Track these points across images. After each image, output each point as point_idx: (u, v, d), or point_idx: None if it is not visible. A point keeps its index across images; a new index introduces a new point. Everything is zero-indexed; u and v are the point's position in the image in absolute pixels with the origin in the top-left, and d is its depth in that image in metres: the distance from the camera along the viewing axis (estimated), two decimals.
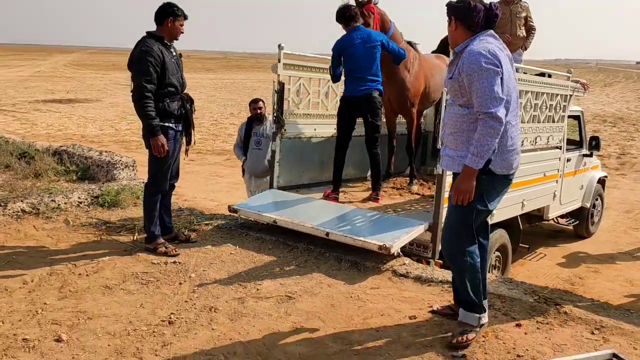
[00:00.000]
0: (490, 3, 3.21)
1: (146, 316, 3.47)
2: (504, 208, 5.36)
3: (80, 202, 5.71)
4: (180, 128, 4.55)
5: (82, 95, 28.77)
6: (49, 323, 3.32)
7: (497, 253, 5.56)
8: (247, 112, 6.75)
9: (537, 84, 5.68)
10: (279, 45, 5.39)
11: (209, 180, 10.99)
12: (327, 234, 4.50)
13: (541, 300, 3.67)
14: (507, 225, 5.68)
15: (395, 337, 3.27)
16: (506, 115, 2.97)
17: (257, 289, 3.91)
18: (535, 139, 5.80)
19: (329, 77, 6.06)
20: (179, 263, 4.33)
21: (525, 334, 3.28)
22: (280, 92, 5.41)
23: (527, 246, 6.32)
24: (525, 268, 6.79)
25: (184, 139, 4.67)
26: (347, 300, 3.78)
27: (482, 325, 3.20)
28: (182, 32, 4.52)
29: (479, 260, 3.17)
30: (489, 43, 3.03)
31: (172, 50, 4.49)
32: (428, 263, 4.48)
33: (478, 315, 3.16)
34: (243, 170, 6.75)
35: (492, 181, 3.09)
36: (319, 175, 5.95)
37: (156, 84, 4.27)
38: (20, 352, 3.00)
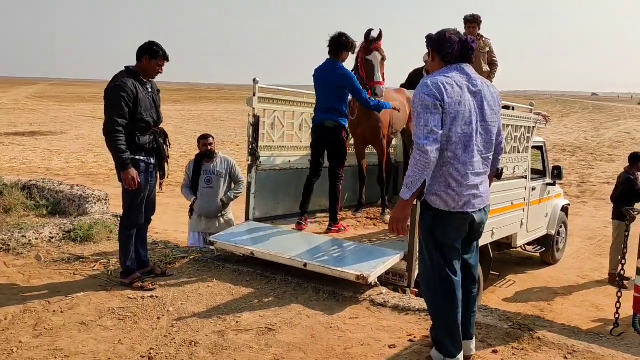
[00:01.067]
0: (466, 36, 3.32)
1: (125, 352, 3.43)
2: None
3: (52, 237, 5.61)
4: (152, 161, 4.57)
5: (46, 127, 28.28)
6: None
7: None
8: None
9: (502, 117, 5.93)
10: (254, 80, 5.50)
11: (179, 213, 10.85)
12: (305, 264, 4.55)
13: (515, 326, 3.78)
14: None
15: None
16: (439, 149, 2.98)
17: (237, 322, 3.91)
18: (502, 169, 6.02)
19: (303, 109, 6.22)
20: (157, 297, 4.30)
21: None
22: (255, 125, 5.50)
23: (497, 273, 6.49)
24: (496, 295, 6.94)
25: (158, 173, 4.69)
26: (327, 330, 3.82)
27: None
28: (160, 72, 4.57)
29: (447, 299, 3.16)
30: (446, 77, 3.06)
31: (148, 86, 4.54)
32: (404, 292, 4.56)
33: (443, 356, 3.18)
34: (191, 211, 6.28)
35: (441, 217, 3.12)
36: (295, 206, 6.00)
37: (127, 118, 4.30)
38: None
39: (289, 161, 6.07)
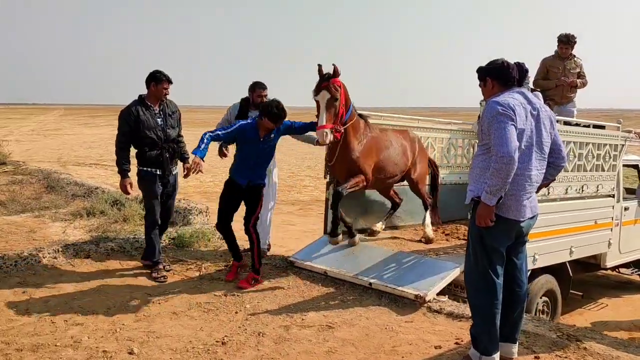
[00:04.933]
0: (520, 62, 3.64)
1: (204, 337, 4.03)
2: (549, 254, 5.54)
3: (160, 242, 6.48)
4: (159, 172, 5.42)
5: None
6: (124, 339, 3.95)
7: (545, 298, 5.69)
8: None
9: (580, 135, 5.89)
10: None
11: (281, 229, 11.64)
12: (370, 284, 4.97)
13: (563, 336, 3.86)
14: (555, 271, 5.80)
15: None
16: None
17: (302, 319, 4.38)
18: (582, 187, 5.96)
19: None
20: (237, 295, 4.90)
21: None
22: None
23: (581, 294, 6.33)
24: (583, 317, 6.75)
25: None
26: (382, 331, 4.16)
27: None
28: (167, 94, 5.45)
29: (487, 299, 3.41)
30: (512, 98, 3.39)
31: (154, 109, 5.41)
32: (465, 302, 4.75)
33: (479, 353, 3.41)
34: (221, 151, 5.94)
35: (494, 222, 3.38)
36: (369, 221, 6.38)
37: (129, 137, 5.30)
38: None
39: None
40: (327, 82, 4.87)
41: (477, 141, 6.29)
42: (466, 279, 3.63)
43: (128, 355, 3.71)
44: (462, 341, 3.91)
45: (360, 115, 5.52)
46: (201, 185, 18.08)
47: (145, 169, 5.40)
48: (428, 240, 5.98)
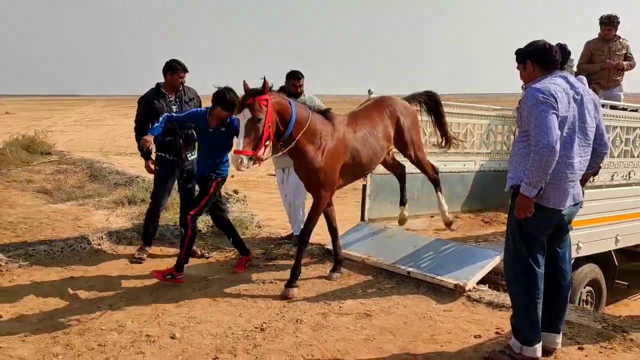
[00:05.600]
0: (562, 43, 3.50)
1: (242, 323, 4.09)
2: (594, 242, 5.39)
3: (199, 230, 6.60)
4: (172, 158, 5.48)
5: None
6: (166, 324, 4.04)
7: (589, 288, 5.54)
8: None
9: (627, 119, 5.68)
10: (369, 90, 5.96)
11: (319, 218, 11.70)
12: (409, 272, 4.92)
13: (609, 327, 3.75)
14: (600, 260, 5.64)
15: (457, 351, 3.57)
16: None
17: (340, 307, 4.39)
18: (629, 173, 5.75)
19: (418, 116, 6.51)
20: (275, 282, 4.95)
21: (586, 356, 3.41)
22: None
23: (627, 283, 6.14)
24: (629, 308, 6.56)
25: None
26: (420, 319, 4.13)
27: (524, 356, 3.32)
28: (183, 82, 5.60)
29: (528, 288, 3.33)
30: (553, 83, 3.24)
31: (169, 97, 5.56)
32: (505, 291, 4.67)
33: (520, 344, 3.33)
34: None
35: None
36: (408, 208, 6.32)
37: (146, 123, 5.36)
38: (144, 344, 3.73)
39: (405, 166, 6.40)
40: (252, 99, 4.23)
41: (517, 127, 6.14)
42: (506, 268, 3.56)
43: (170, 339, 3.80)
44: (502, 331, 3.85)
45: (323, 113, 4.89)
46: (238, 174, 18.32)
47: (161, 154, 5.56)
48: (448, 224, 5.75)
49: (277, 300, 4.56)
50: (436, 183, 5.77)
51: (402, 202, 5.86)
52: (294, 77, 6.02)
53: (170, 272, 4.88)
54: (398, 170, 5.90)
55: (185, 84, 5.66)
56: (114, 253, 5.86)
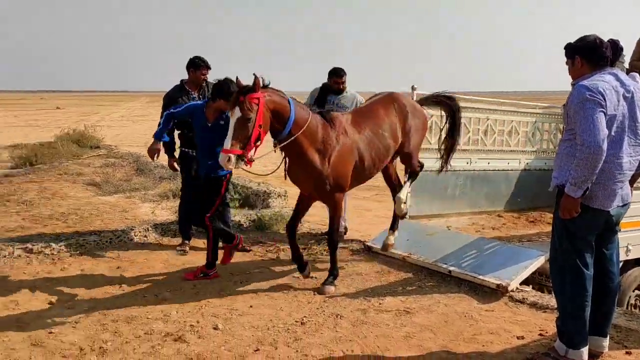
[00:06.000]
0: (614, 39, 3.39)
1: (283, 317, 4.14)
2: None
3: (241, 225, 6.72)
4: (195, 153, 5.43)
5: None
6: (209, 315, 4.13)
7: (638, 292, 5.36)
8: None
9: None
10: (412, 87, 5.92)
11: (356, 213, 11.66)
12: (450, 271, 4.88)
13: None
14: None
15: (499, 352, 3.52)
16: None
17: (380, 303, 4.39)
18: None
19: (461, 113, 6.42)
20: (316, 278, 4.98)
21: None
22: None
23: None
24: None
25: None
26: (461, 318, 4.09)
27: (569, 359, 3.24)
28: (205, 79, 5.68)
29: (575, 290, 3.24)
30: (602, 81, 3.13)
31: (192, 94, 5.66)
32: (550, 292, 4.58)
33: (565, 346, 3.25)
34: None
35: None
36: (449, 206, 6.27)
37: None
38: (188, 334, 3.82)
39: None
40: (244, 96, 4.03)
41: (564, 125, 5.97)
42: (552, 269, 3.48)
43: (213, 330, 3.89)
44: (546, 333, 3.77)
45: (323, 114, 4.62)
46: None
47: (184, 149, 5.67)
48: (401, 215, 5.34)
49: (317, 294, 4.59)
50: (413, 176, 5.43)
51: (392, 228, 5.47)
52: (336, 75, 6.04)
53: (202, 271, 4.95)
54: (394, 187, 5.56)
55: (207, 81, 5.76)
56: (159, 244, 6.02)
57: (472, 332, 3.84)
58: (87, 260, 5.37)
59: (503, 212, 6.65)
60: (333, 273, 4.77)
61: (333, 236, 4.76)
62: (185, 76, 5.76)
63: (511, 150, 6.82)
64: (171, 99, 5.62)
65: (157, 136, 4.91)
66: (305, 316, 4.14)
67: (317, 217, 7.46)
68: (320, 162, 4.45)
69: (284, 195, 7.87)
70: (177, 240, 6.07)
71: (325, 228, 6.77)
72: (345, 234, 6.36)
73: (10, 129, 23.50)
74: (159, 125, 4.98)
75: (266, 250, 5.89)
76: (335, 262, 4.80)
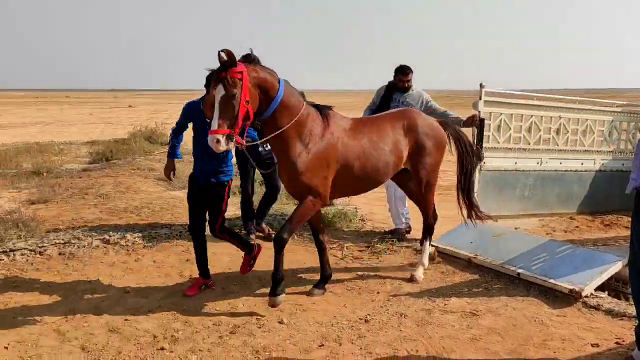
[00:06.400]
0: None
1: (347, 314, 4.16)
2: None
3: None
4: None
5: None
6: (275, 310, 4.20)
7: None
8: None
9: None
10: (481, 84, 5.79)
11: (418, 213, 11.52)
12: (519, 274, 4.73)
13: None
14: None
15: (572, 359, 3.39)
16: None
17: (445, 304, 4.33)
18: None
19: (531, 112, 6.22)
20: (379, 276, 4.97)
21: None
22: (480, 128, 5.78)
23: None
24: None
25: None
26: (530, 322, 3.97)
27: None
28: None
29: None
30: None
31: None
32: (627, 299, 4.35)
33: None
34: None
35: None
36: (517, 207, 6.08)
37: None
38: (254, 327, 3.92)
39: (515, 162, 6.15)
40: (225, 72, 3.71)
41: None
42: (631, 274, 3.31)
43: (278, 324, 3.96)
44: (623, 341, 3.59)
45: (316, 106, 4.30)
46: None
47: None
48: (413, 280, 4.83)
49: (380, 293, 4.58)
50: (429, 231, 5.08)
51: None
52: (402, 72, 5.98)
53: (249, 259, 4.73)
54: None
55: None
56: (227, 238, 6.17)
57: (542, 338, 3.71)
58: (159, 252, 5.60)
59: (575, 214, 6.38)
60: (276, 279, 4.21)
61: (282, 233, 4.18)
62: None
63: (585, 150, 6.53)
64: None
65: (171, 155, 4.61)
66: (369, 314, 4.14)
67: (380, 215, 7.44)
68: (299, 155, 4.10)
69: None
70: (244, 236, 6.21)
71: (387, 226, 6.75)
72: (408, 232, 6.31)
73: (87, 126, 24.78)
74: (169, 143, 4.71)
75: (330, 248, 5.90)
76: (276, 266, 4.22)
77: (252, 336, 3.76)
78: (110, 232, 5.92)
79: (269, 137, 4.07)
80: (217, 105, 3.74)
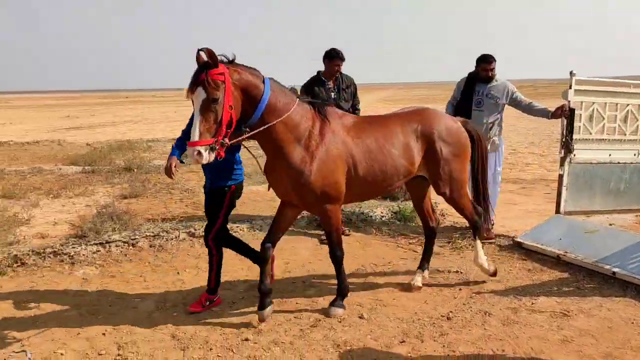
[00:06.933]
0: None
1: (429, 310, 4.09)
2: None
3: (383, 216, 6.74)
4: None
5: None
6: (354, 304, 4.21)
7: None
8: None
9: None
10: (571, 72, 5.47)
11: (502, 208, 11.09)
12: (614, 273, 4.45)
13: None
14: None
15: None
16: None
17: (532, 303, 4.15)
18: None
19: (627, 100, 5.81)
20: (461, 273, 4.85)
21: None
22: (570, 118, 5.47)
23: None
24: None
25: None
26: (627, 324, 3.72)
27: None
28: (338, 70, 5.84)
29: None
30: None
31: (328, 84, 5.85)
32: None
33: None
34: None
35: None
36: (612, 202, 5.70)
37: None
38: (335, 321, 3.93)
39: (609, 155, 5.77)
40: (204, 73, 3.34)
41: None
42: None
43: (358, 319, 3.96)
44: None
45: (313, 104, 3.93)
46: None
47: None
48: (491, 274, 4.58)
49: (463, 290, 4.47)
50: (475, 228, 4.60)
51: (421, 266, 4.69)
52: (485, 61, 5.77)
53: (207, 299, 4.22)
54: (426, 223, 4.74)
55: (342, 72, 5.92)
56: (306, 233, 6.26)
57: None
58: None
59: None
60: (341, 292, 4.11)
61: (335, 252, 3.99)
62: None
63: None
64: (307, 88, 5.83)
65: (173, 153, 3.97)
66: (451, 311, 4.05)
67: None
68: (302, 162, 3.69)
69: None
70: (322, 231, 6.26)
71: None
72: (491, 229, 6.09)
73: (172, 124, 25.91)
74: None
75: (409, 243, 5.86)
76: (342, 280, 4.09)
77: (333, 330, 3.78)
78: (196, 226, 6.15)
79: (242, 137, 3.61)
80: (197, 111, 3.36)
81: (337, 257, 4.02)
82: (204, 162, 3.33)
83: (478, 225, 4.57)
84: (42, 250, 5.34)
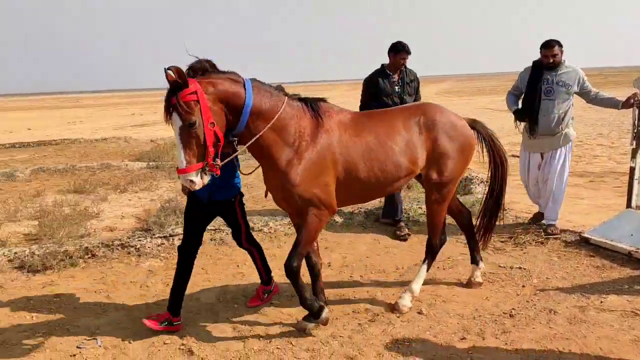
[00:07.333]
0: None
1: (490, 307, 3.99)
2: None
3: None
4: None
5: None
6: (414, 299, 4.17)
7: None
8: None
9: None
10: None
11: (567, 202, 10.67)
12: None
13: None
14: None
15: None
16: None
17: (601, 302, 3.97)
18: None
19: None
20: (524, 269, 4.70)
21: None
22: None
23: None
24: None
25: None
26: None
27: None
28: (404, 64, 5.75)
29: None
30: None
31: (393, 77, 5.76)
32: None
33: None
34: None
35: None
36: None
37: (369, 99, 5.79)
38: (393, 316, 3.91)
39: None
40: (174, 97, 3.08)
41: None
42: None
43: (417, 314, 3.92)
44: None
45: (304, 101, 3.61)
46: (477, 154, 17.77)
47: None
48: (396, 309, 4.02)
49: (526, 287, 4.33)
50: (431, 252, 4.17)
51: (473, 260, 4.46)
52: (545, 47, 5.49)
53: (264, 290, 4.29)
54: (460, 219, 4.50)
55: (407, 66, 5.82)
56: (363, 227, 6.24)
57: None
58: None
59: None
60: (307, 308, 3.70)
61: (292, 262, 3.50)
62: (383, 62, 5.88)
63: None
64: (370, 81, 5.80)
65: None
66: (513, 308, 3.94)
67: (521, 204, 7.03)
68: (288, 164, 3.41)
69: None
70: (378, 226, 6.23)
71: (529, 215, 6.34)
72: (554, 224, 5.84)
73: None
74: None
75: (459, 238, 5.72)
76: (301, 295, 3.65)
77: (392, 325, 3.76)
78: (254, 220, 6.26)
79: (234, 155, 3.43)
80: (177, 138, 3.15)
81: (292, 267, 3.51)
82: (199, 187, 3.18)
83: (435, 250, 4.16)
84: (110, 243, 5.59)
